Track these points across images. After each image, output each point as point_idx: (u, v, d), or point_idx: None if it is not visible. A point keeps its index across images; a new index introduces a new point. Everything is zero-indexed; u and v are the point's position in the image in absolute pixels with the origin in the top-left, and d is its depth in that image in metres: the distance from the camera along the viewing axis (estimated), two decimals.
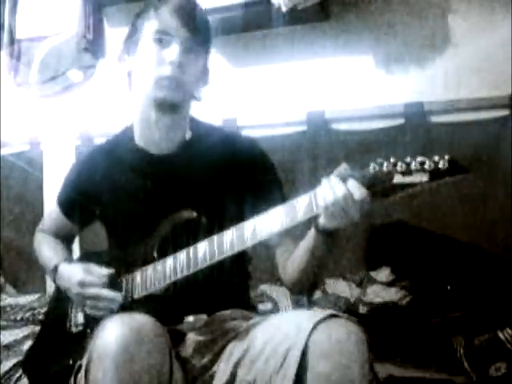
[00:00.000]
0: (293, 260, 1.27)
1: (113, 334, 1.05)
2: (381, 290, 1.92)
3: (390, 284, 1.95)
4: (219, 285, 1.30)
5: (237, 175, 1.33)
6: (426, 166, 0.99)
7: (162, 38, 1.26)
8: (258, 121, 2.25)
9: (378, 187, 1.03)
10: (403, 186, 1.01)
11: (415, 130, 2.04)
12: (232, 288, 1.37)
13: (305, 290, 1.39)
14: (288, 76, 2.23)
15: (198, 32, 1.28)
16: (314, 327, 1.05)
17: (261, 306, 1.76)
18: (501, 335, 1.52)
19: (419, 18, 2.06)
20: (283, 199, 1.32)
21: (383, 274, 2.00)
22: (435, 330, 1.63)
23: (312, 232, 1.18)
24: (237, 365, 1.17)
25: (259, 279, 1.79)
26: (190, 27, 1.26)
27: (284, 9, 1.99)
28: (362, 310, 1.87)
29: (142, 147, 1.36)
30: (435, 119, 2.04)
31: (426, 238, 1.97)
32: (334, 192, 1.06)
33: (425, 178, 1.00)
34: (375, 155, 2.04)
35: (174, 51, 1.25)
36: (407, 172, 1.00)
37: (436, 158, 0.99)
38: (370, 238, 2.06)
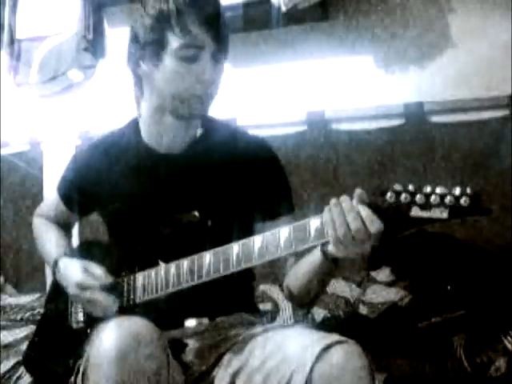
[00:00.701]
0: (294, 275, 1.25)
1: (110, 339, 1.03)
2: (381, 290, 1.92)
3: (390, 284, 1.95)
4: (223, 286, 1.28)
5: (245, 177, 1.30)
6: (447, 201, 0.91)
7: (191, 54, 1.18)
8: (257, 121, 2.24)
9: (394, 219, 0.96)
10: (420, 222, 0.94)
11: (415, 130, 2.04)
12: (236, 290, 1.34)
13: (304, 304, 1.36)
14: (288, 76, 2.23)
15: (223, 40, 1.22)
16: (320, 354, 1.04)
17: (261, 306, 1.76)
18: (501, 335, 1.52)
19: (419, 18, 2.06)
20: (291, 203, 1.31)
21: (383, 274, 2.00)
22: (435, 329, 1.63)
23: (318, 254, 1.13)
24: (235, 375, 1.16)
25: (259, 279, 1.79)
26: (217, 38, 1.19)
27: (284, 9, 1.99)
28: (362, 310, 1.87)
29: (149, 145, 1.32)
30: (435, 119, 2.04)
31: (426, 237, 1.97)
32: (346, 222, 1.00)
33: (444, 214, 0.92)
34: (375, 155, 2.06)
35: (205, 69, 1.19)
36: (426, 206, 0.93)
37: (457, 192, 0.92)
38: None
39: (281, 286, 1.34)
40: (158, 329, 1.09)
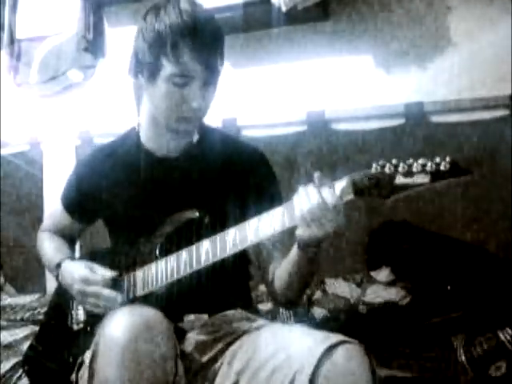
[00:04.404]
0: (278, 274, 1.29)
1: (122, 324, 1.05)
2: (381, 290, 1.92)
3: (390, 284, 1.95)
4: (221, 285, 1.31)
5: (239, 180, 1.34)
6: (428, 168, 0.99)
7: (182, 81, 1.22)
8: (258, 121, 2.25)
9: (380, 188, 1.03)
10: (405, 187, 1.02)
11: (415, 130, 2.04)
12: (233, 288, 1.38)
13: (287, 303, 1.38)
14: (288, 76, 2.23)
15: (215, 69, 1.25)
16: (324, 354, 1.05)
17: (261, 306, 1.76)
18: (501, 335, 1.52)
19: (419, 18, 2.06)
20: (281, 199, 1.32)
21: (383, 274, 2.00)
22: (435, 329, 1.63)
23: (294, 247, 1.19)
24: (239, 373, 1.17)
25: (259, 279, 1.80)
26: (209, 67, 1.23)
27: (284, 9, 1.99)
28: (362, 310, 1.87)
29: (148, 149, 1.37)
30: (435, 119, 2.04)
31: (426, 237, 1.97)
32: (309, 200, 1.08)
33: (426, 179, 0.99)
34: (375, 155, 2.06)
35: (194, 96, 1.22)
36: (409, 173, 1.00)
37: (437, 160, 0.99)
38: (370, 237, 2.06)
39: (266, 284, 1.36)
40: (166, 318, 1.11)
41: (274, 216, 1.13)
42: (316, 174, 1.10)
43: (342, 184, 1.08)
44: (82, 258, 1.52)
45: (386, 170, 1.02)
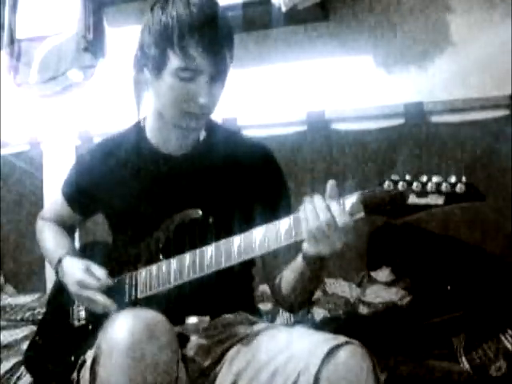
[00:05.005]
0: (283, 280, 1.28)
1: (125, 327, 1.04)
2: (381, 290, 1.92)
3: (390, 284, 1.95)
4: (224, 286, 1.29)
5: (245, 177, 1.32)
6: (443, 188, 0.95)
7: (188, 76, 1.19)
8: (258, 121, 2.25)
9: (392, 207, 1.00)
10: (417, 208, 0.98)
11: (415, 130, 2.04)
12: (236, 290, 1.37)
13: (292, 308, 1.37)
14: (288, 76, 2.23)
15: (223, 64, 1.21)
16: (327, 355, 1.05)
17: (261, 306, 1.76)
18: (501, 335, 1.52)
19: (419, 18, 2.06)
20: (289, 201, 1.33)
21: (383, 274, 2.00)
22: (435, 329, 1.63)
23: (299, 257, 1.18)
24: (238, 374, 1.17)
25: (259, 280, 1.80)
26: (217, 62, 1.19)
27: (284, 9, 1.99)
28: (362, 310, 1.87)
29: (154, 146, 1.35)
30: (435, 119, 2.04)
31: (426, 237, 1.97)
32: (318, 216, 1.05)
33: (440, 201, 0.96)
34: (375, 155, 2.07)
35: (200, 92, 1.19)
36: (422, 193, 0.97)
37: (453, 180, 0.96)
38: (370, 238, 2.06)
39: (271, 288, 1.36)
40: (169, 321, 1.10)
41: (280, 229, 1.10)
42: (330, 184, 1.07)
43: (351, 200, 1.04)
44: (81, 249, 1.51)
45: (400, 188, 0.98)
